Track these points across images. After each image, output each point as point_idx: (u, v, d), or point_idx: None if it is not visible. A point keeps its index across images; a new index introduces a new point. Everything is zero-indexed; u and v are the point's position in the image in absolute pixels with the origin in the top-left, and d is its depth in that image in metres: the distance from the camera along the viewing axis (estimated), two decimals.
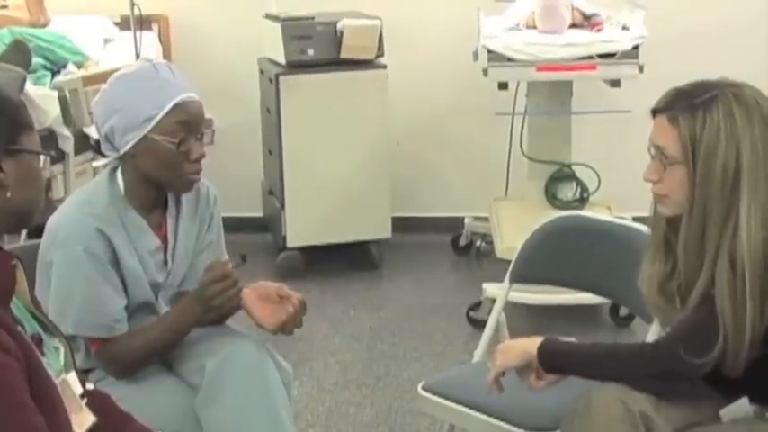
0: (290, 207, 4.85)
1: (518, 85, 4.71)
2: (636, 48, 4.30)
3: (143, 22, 4.85)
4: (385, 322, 4.39)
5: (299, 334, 2.68)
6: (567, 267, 2.78)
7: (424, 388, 2.65)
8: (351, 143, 4.87)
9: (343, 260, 4.99)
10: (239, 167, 5.27)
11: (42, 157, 1.77)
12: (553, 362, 2.17)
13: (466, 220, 5.12)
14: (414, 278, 4.88)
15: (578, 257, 2.74)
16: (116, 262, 2.30)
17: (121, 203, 2.35)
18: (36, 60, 4.68)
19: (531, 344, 2.19)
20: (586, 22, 4.58)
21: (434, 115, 5.37)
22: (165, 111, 2.28)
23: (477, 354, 2.82)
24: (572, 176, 4.73)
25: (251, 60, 5.18)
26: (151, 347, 2.32)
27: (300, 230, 4.88)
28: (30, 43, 4.66)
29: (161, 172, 2.32)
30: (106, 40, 5.17)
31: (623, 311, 4.16)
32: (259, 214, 5.36)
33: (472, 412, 2.51)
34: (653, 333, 2.45)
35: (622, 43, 4.32)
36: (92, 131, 3.62)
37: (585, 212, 3.41)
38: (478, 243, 5.11)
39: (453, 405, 2.57)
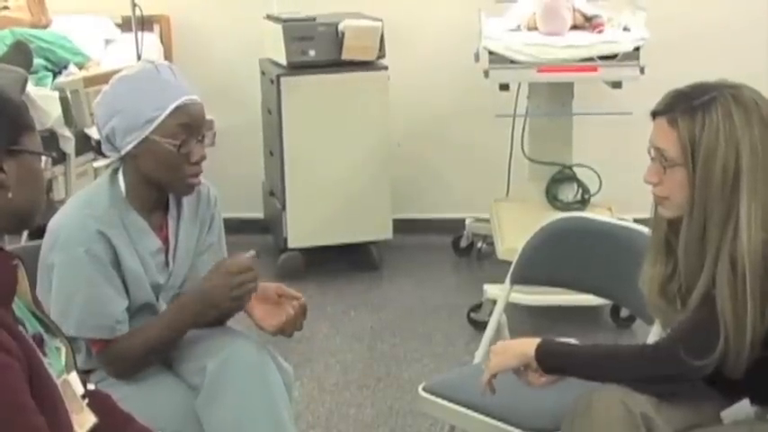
0: (291, 208, 4.85)
1: (519, 86, 4.70)
2: (637, 49, 4.29)
3: (144, 23, 4.84)
4: (386, 323, 4.38)
5: (300, 335, 2.68)
6: (567, 269, 2.78)
7: (424, 389, 2.65)
8: (352, 144, 4.87)
9: (344, 261, 4.99)
10: (240, 168, 5.27)
11: (43, 158, 1.77)
12: (553, 363, 2.17)
13: (467, 222, 5.12)
14: (414, 279, 4.88)
15: (579, 259, 2.74)
16: (117, 263, 2.31)
17: (123, 205, 2.35)
18: (37, 61, 4.68)
19: (528, 345, 2.18)
20: (587, 23, 4.57)
21: (435, 116, 5.37)
22: (166, 112, 2.28)
23: (478, 355, 2.82)
24: (573, 178, 4.72)
25: (252, 61, 5.18)
26: (150, 346, 2.32)
27: (301, 231, 4.88)
28: (31, 44, 4.66)
29: (161, 173, 2.32)
30: (107, 41, 5.16)
31: (624, 313, 4.15)
32: (260, 215, 5.35)
33: (473, 413, 2.51)
34: (654, 334, 2.45)
35: (623, 45, 4.31)
36: (93, 132, 3.61)
37: (586, 214, 3.40)
38: (479, 244, 5.10)
39: (454, 406, 2.57)
